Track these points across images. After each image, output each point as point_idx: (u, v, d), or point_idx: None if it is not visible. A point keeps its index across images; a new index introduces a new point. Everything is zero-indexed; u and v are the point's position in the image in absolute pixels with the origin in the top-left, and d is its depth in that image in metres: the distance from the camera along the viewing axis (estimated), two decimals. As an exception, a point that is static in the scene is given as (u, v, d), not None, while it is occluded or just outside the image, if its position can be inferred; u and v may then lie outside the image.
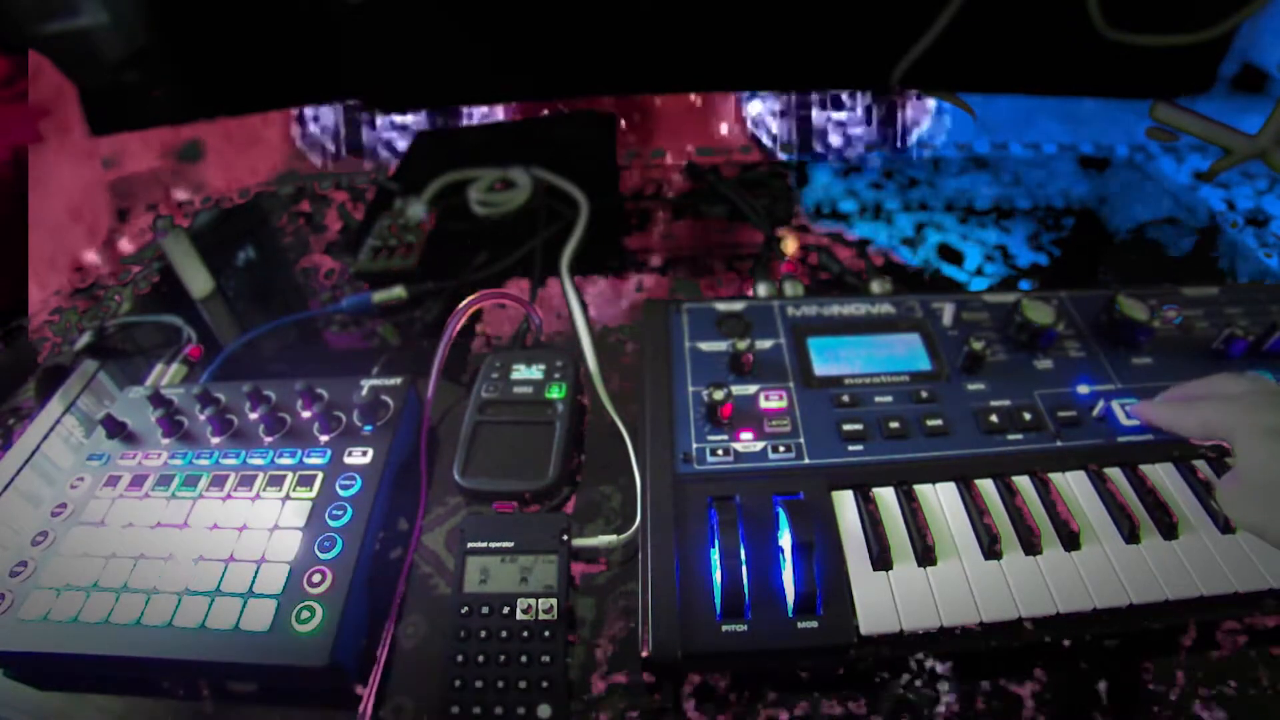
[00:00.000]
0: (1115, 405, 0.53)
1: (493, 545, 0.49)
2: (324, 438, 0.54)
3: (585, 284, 0.75)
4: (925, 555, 0.45)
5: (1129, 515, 0.47)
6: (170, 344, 0.70)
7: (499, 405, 0.58)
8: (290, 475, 0.52)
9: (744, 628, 0.42)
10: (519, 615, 0.46)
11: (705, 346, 0.59)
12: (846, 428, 0.53)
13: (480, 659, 0.44)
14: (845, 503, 0.49)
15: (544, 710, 0.42)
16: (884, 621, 0.43)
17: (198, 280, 0.76)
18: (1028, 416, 0.53)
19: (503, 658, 0.44)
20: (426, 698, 0.44)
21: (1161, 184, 0.90)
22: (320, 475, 0.52)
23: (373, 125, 0.99)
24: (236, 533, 0.49)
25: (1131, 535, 0.46)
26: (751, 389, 0.56)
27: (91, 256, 0.84)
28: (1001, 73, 0.88)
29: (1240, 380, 0.45)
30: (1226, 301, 0.63)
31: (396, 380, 0.58)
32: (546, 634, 0.45)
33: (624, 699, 0.44)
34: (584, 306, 0.71)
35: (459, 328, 0.60)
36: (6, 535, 0.51)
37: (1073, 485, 0.50)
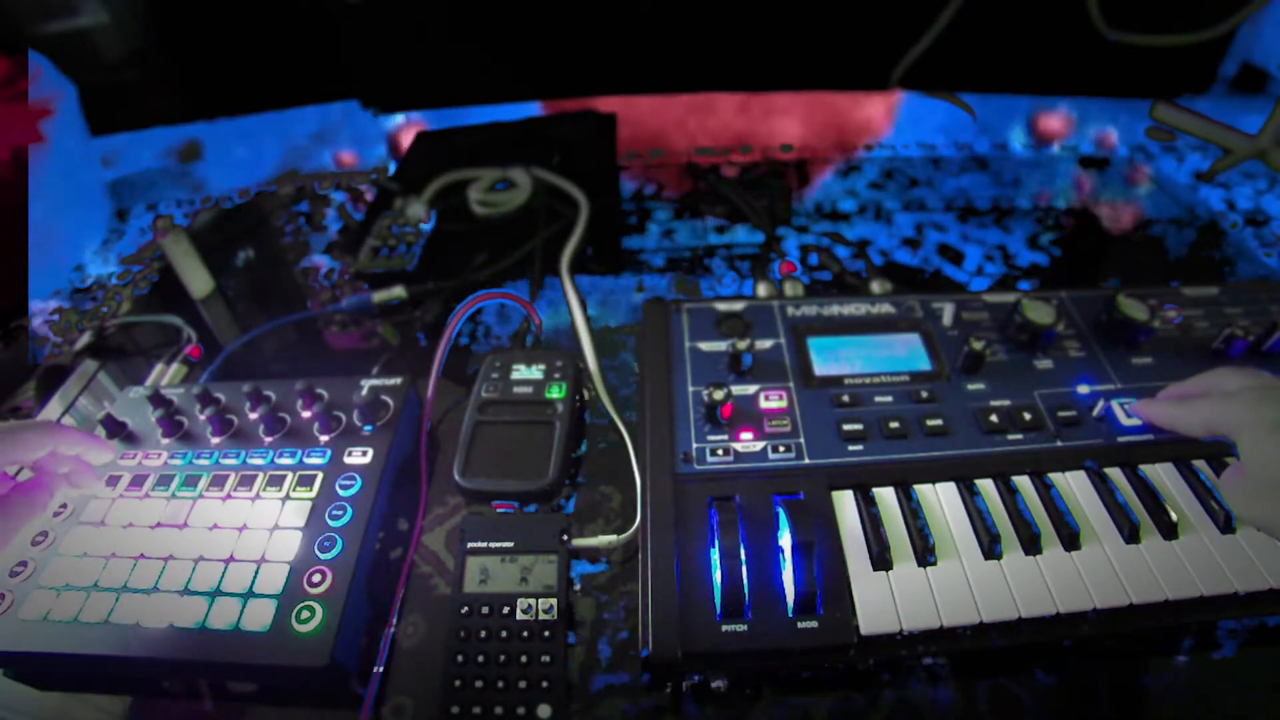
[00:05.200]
0: (1115, 405, 0.53)
1: (493, 545, 0.49)
2: (324, 438, 0.54)
3: (585, 284, 0.75)
4: (925, 555, 0.45)
5: (1129, 515, 0.47)
6: (170, 344, 0.70)
7: (499, 405, 0.58)
8: (290, 475, 0.52)
9: (744, 628, 0.42)
10: (519, 615, 0.46)
11: (705, 346, 0.59)
12: (846, 428, 0.53)
13: (480, 659, 0.44)
14: (845, 503, 0.49)
15: (544, 710, 0.42)
16: (884, 621, 0.43)
17: (198, 280, 0.76)
18: (1028, 416, 0.53)
19: (503, 658, 0.44)
20: (426, 698, 0.44)
21: (1161, 184, 0.90)
22: (320, 475, 0.52)
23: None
24: (236, 533, 0.49)
25: (1131, 535, 0.46)
26: (751, 389, 0.56)
27: (91, 256, 0.84)
28: (1001, 73, 0.89)
29: (1239, 375, 0.45)
30: (1226, 301, 0.63)
31: (396, 380, 0.58)
32: (546, 634, 0.45)
33: (624, 699, 0.44)
34: (584, 306, 0.71)
35: (459, 328, 0.60)
36: (6, 535, 0.51)
37: (1073, 485, 0.50)
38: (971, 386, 0.56)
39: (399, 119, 1.00)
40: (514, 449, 0.55)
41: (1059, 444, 0.52)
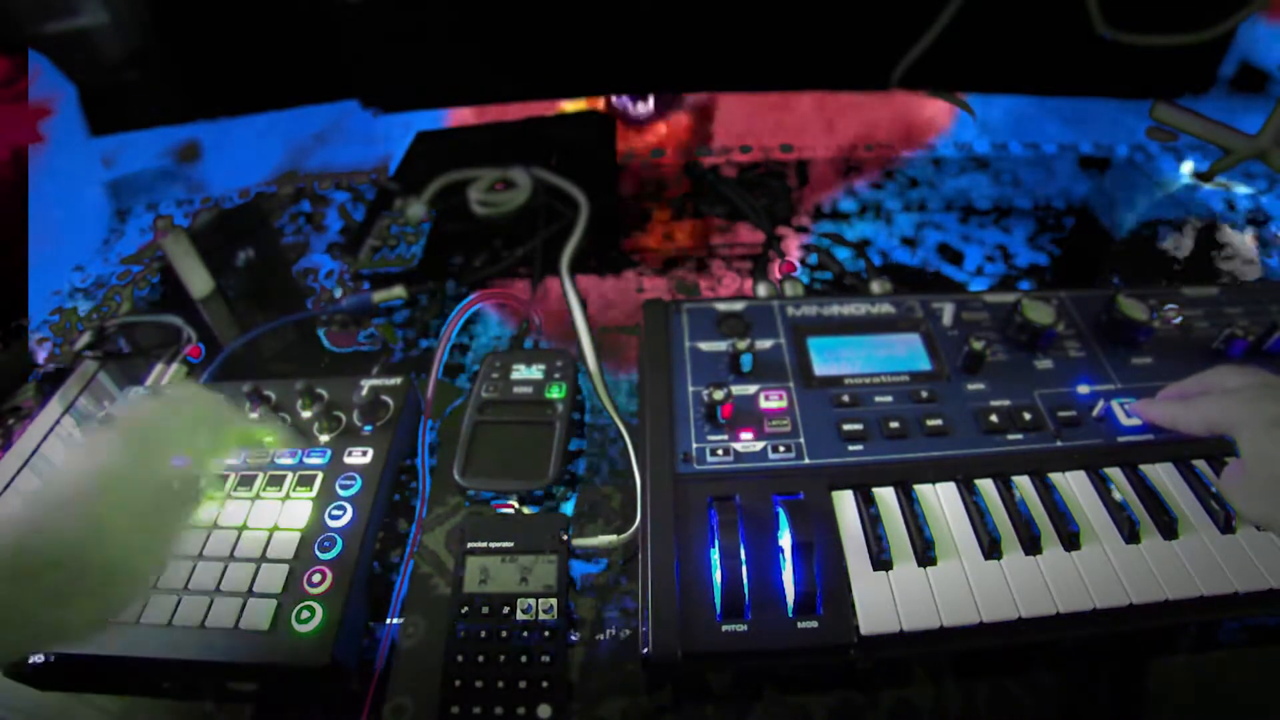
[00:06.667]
0: (1115, 405, 0.53)
1: (493, 545, 0.49)
2: (324, 438, 0.54)
3: (585, 284, 0.75)
4: (925, 555, 0.45)
5: (1129, 515, 0.47)
6: (170, 344, 0.70)
7: (499, 405, 0.58)
8: (290, 475, 0.52)
9: (744, 628, 0.42)
10: (519, 615, 0.46)
11: (705, 346, 0.59)
12: (846, 428, 0.53)
13: (480, 659, 0.44)
14: (845, 503, 0.49)
15: (544, 710, 0.42)
16: (884, 621, 0.43)
17: (198, 280, 0.76)
18: (1028, 416, 0.53)
19: (503, 658, 0.44)
20: (426, 698, 0.44)
21: (1162, 184, 0.90)
22: (320, 475, 0.52)
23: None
24: (236, 532, 0.49)
25: (1131, 535, 0.46)
26: (751, 389, 0.56)
27: (91, 256, 0.84)
28: (1001, 73, 0.88)
29: (1239, 373, 0.45)
30: (1226, 301, 0.63)
31: (396, 380, 0.58)
32: (546, 634, 0.45)
33: (624, 699, 0.44)
34: (584, 306, 0.71)
35: (459, 327, 0.60)
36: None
37: (1073, 485, 0.50)
38: (971, 386, 0.56)
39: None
40: (514, 449, 0.55)
41: (1059, 444, 0.52)
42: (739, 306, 0.63)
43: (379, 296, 0.73)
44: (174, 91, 0.90)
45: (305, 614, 0.44)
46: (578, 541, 0.50)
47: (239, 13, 0.83)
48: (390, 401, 0.56)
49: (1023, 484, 0.50)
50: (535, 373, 0.60)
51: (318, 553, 0.47)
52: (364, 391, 0.56)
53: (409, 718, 0.43)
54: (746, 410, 0.54)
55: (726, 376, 0.57)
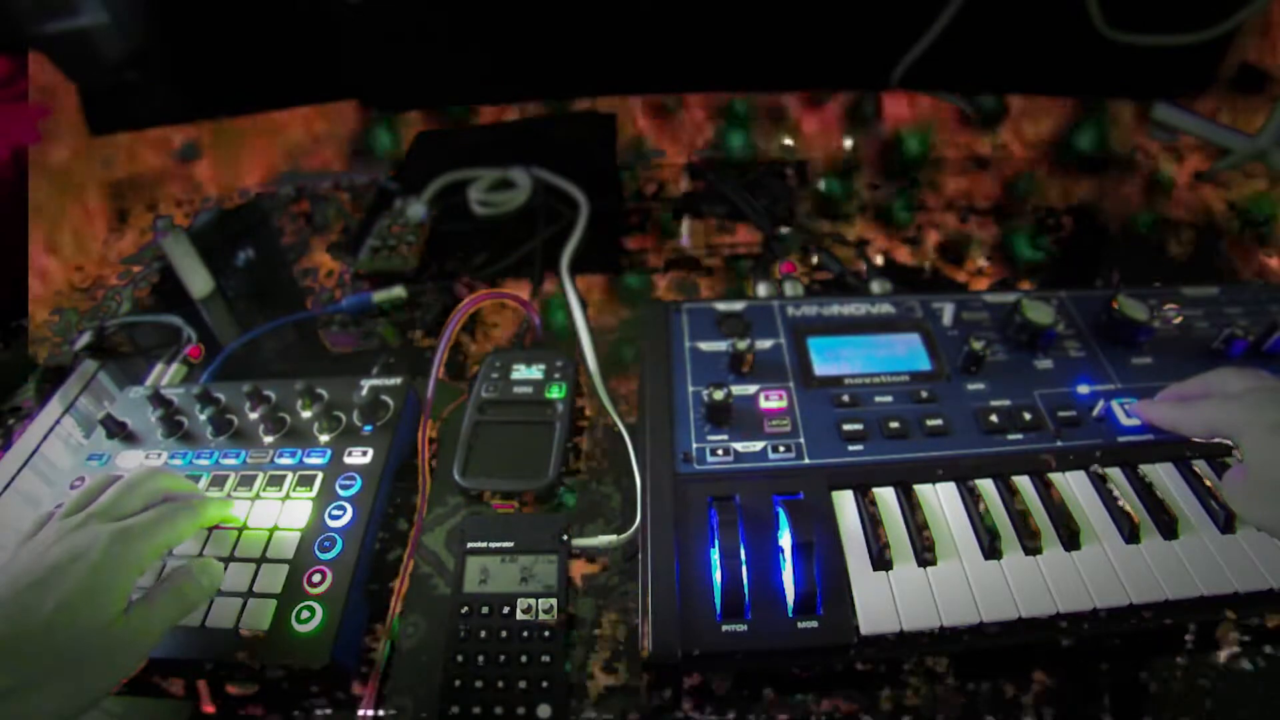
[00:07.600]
0: (1115, 405, 0.53)
1: (493, 545, 0.49)
2: (324, 438, 0.54)
3: (585, 284, 0.75)
4: (925, 555, 0.45)
5: (1129, 515, 0.47)
6: (170, 344, 0.70)
7: (499, 405, 0.58)
8: (290, 475, 0.52)
9: (744, 628, 0.42)
10: (519, 615, 0.46)
11: (705, 346, 0.59)
12: (846, 428, 0.53)
13: (480, 659, 0.44)
14: (845, 503, 0.49)
15: (544, 710, 0.42)
16: (884, 621, 0.43)
17: (198, 280, 0.76)
18: (1028, 416, 0.53)
19: (503, 658, 0.44)
20: (426, 698, 0.44)
21: (1162, 184, 0.89)
22: (320, 475, 0.52)
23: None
24: (236, 532, 0.49)
25: (1131, 535, 0.46)
26: (751, 389, 0.56)
27: (91, 256, 0.84)
28: (1001, 73, 0.88)
29: (1241, 376, 0.45)
30: (1226, 301, 0.63)
31: (396, 380, 0.58)
32: (546, 634, 0.45)
33: (624, 699, 0.44)
34: (584, 306, 0.71)
35: (459, 328, 0.60)
36: (6, 536, 0.51)
37: (1073, 485, 0.50)
38: (971, 386, 0.56)
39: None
40: (514, 449, 0.55)
41: (1059, 444, 0.52)
42: (739, 306, 0.63)
43: (379, 296, 0.73)
44: (174, 91, 0.90)
45: (305, 614, 0.44)
46: (578, 541, 0.50)
47: (238, 13, 0.83)
48: (390, 401, 0.56)
49: (1023, 484, 0.50)
50: (535, 373, 0.60)
51: (318, 553, 0.47)
52: (364, 391, 0.56)
53: (409, 718, 0.44)
54: (746, 410, 0.54)
55: (726, 376, 0.57)
